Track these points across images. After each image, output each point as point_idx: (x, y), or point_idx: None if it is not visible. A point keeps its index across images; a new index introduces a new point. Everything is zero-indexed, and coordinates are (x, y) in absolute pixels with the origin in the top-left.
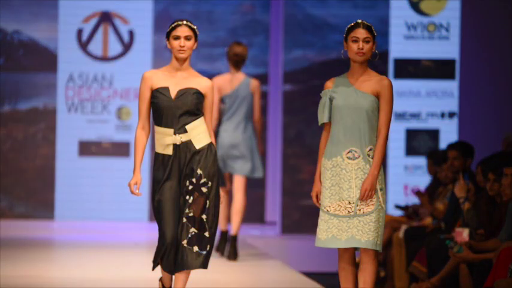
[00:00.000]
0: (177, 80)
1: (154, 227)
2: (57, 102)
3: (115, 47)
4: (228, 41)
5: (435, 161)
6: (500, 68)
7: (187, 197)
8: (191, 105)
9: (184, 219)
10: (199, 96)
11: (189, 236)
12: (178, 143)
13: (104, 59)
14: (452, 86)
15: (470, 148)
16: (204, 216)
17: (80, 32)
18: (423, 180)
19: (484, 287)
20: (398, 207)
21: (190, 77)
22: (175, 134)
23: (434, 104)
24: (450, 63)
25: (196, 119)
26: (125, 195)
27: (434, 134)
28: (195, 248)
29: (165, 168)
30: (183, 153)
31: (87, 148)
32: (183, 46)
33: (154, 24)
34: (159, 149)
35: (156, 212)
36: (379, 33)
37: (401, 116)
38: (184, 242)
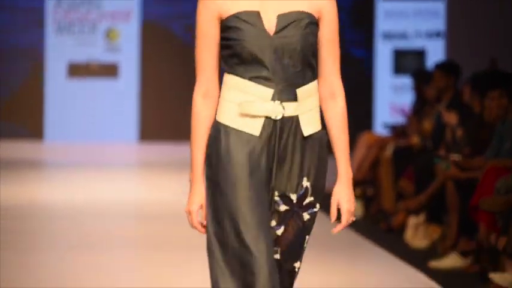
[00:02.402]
0: None
1: (143, 147)
2: (45, 23)
3: None
4: None
5: (422, 80)
6: None
7: (275, 225)
8: (304, 48)
9: None
10: (314, 28)
11: None
12: (277, 118)
13: None
14: (438, 6)
15: (456, 67)
16: (296, 265)
17: None
18: (409, 100)
19: (470, 205)
20: (388, 126)
21: None
22: (274, 99)
23: (421, 24)
24: None
25: (312, 78)
26: (113, 116)
27: (421, 53)
28: None
29: (240, 161)
30: (281, 139)
31: (75, 70)
32: None
33: None
34: (232, 121)
35: (216, 252)
36: None
37: (388, 36)
38: None
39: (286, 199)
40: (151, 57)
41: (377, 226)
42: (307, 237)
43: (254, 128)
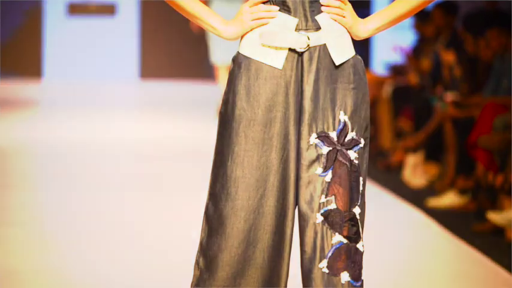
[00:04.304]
0: None
1: (143, 85)
2: None
3: None
4: None
5: (421, 19)
6: None
7: (322, 172)
8: None
9: (320, 218)
10: None
11: (332, 251)
12: (302, 49)
13: None
14: None
15: (455, 7)
16: (356, 211)
17: None
18: (409, 38)
19: (468, 143)
20: (387, 65)
21: None
22: (298, 29)
23: None
24: None
25: None
26: (113, 54)
27: None
28: (344, 277)
29: (259, 98)
30: (310, 72)
31: (75, 8)
32: None
33: None
34: (253, 52)
35: (218, 193)
36: None
37: None
38: (324, 265)
39: (326, 139)
40: None
41: (375, 165)
42: (360, 179)
43: (276, 60)
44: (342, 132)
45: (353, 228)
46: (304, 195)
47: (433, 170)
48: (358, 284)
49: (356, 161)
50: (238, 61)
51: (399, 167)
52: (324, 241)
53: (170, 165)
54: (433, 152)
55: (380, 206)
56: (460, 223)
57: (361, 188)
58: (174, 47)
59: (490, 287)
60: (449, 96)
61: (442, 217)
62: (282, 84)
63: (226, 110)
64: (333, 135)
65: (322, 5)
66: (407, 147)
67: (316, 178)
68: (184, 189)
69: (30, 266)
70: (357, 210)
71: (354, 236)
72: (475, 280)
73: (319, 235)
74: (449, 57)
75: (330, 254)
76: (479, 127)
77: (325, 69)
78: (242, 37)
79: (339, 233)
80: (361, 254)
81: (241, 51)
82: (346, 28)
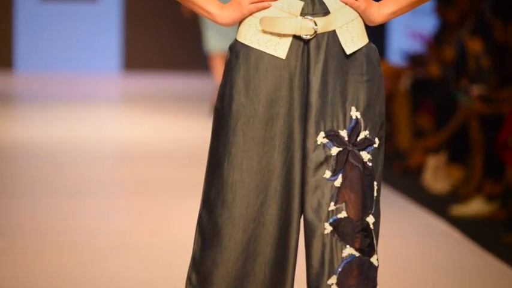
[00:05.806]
0: None
1: (126, 77)
2: None
3: None
4: None
5: (443, 2)
6: None
7: (331, 176)
8: None
9: (328, 228)
10: None
11: (343, 266)
12: (308, 37)
13: None
14: None
15: None
16: (370, 220)
17: None
18: (427, 22)
19: (497, 143)
20: (404, 54)
21: None
22: (304, 14)
23: None
24: None
25: None
26: (93, 43)
27: None
28: None
29: (259, 91)
30: (317, 62)
31: None
32: None
33: None
34: (253, 40)
35: (213, 199)
36: None
37: None
38: (333, 281)
39: (335, 138)
40: None
41: (391, 168)
42: (375, 183)
43: (279, 49)
44: (354, 131)
45: (366, 239)
46: (310, 202)
47: (457, 173)
48: None
49: (369, 164)
50: (235, 50)
51: (419, 169)
52: (333, 254)
53: (159, 168)
54: (457, 152)
55: (397, 214)
56: (487, 233)
57: (375, 194)
58: (162, 35)
59: None
60: (476, 90)
61: (468, 226)
62: (285, 76)
63: (222, 105)
64: (344, 134)
65: None
66: (428, 147)
67: (325, 183)
68: (175, 195)
69: (4, 279)
70: (370, 219)
71: (367, 249)
72: None
73: (327, 247)
74: (475, 45)
75: (340, 269)
76: (510, 125)
77: (334, 59)
78: (240, 23)
79: (350, 245)
80: (375, 268)
81: (239, 39)
82: (359, 12)
